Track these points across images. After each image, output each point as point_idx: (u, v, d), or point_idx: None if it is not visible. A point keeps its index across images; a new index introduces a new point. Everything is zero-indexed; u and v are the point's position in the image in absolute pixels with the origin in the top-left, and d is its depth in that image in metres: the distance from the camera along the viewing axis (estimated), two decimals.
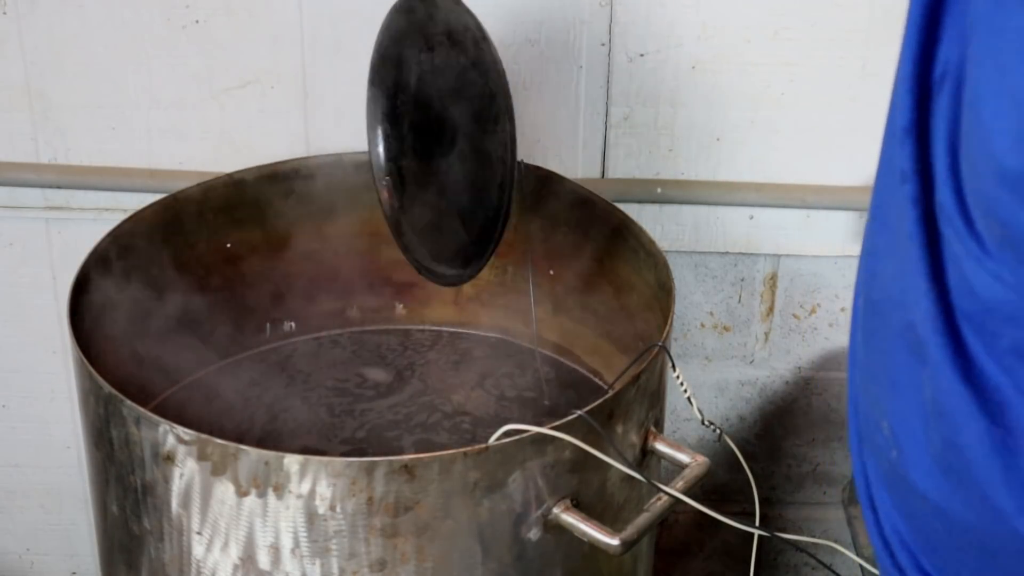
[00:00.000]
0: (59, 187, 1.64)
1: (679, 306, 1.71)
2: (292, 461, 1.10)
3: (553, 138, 1.61)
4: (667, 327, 1.28)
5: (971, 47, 0.74)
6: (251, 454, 1.10)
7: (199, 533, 1.16)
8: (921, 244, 0.78)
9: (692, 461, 1.23)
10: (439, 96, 1.35)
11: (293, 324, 1.61)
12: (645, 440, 1.25)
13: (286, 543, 1.13)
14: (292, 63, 1.57)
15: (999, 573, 0.81)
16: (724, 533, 1.87)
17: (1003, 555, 0.79)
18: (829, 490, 1.85)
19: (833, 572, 1.45)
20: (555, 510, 1.16)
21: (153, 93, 1.59)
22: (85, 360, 1.20)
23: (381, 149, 1.41)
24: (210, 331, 1.51)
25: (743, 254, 1.69)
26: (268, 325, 1.59)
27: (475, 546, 1.16)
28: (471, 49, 1.30)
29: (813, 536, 1.82)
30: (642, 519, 1.18)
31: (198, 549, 1.17)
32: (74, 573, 1.95)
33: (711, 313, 1.74)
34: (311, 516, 1.11)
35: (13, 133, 1.61)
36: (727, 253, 1.69)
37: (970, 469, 0.77)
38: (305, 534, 1.12)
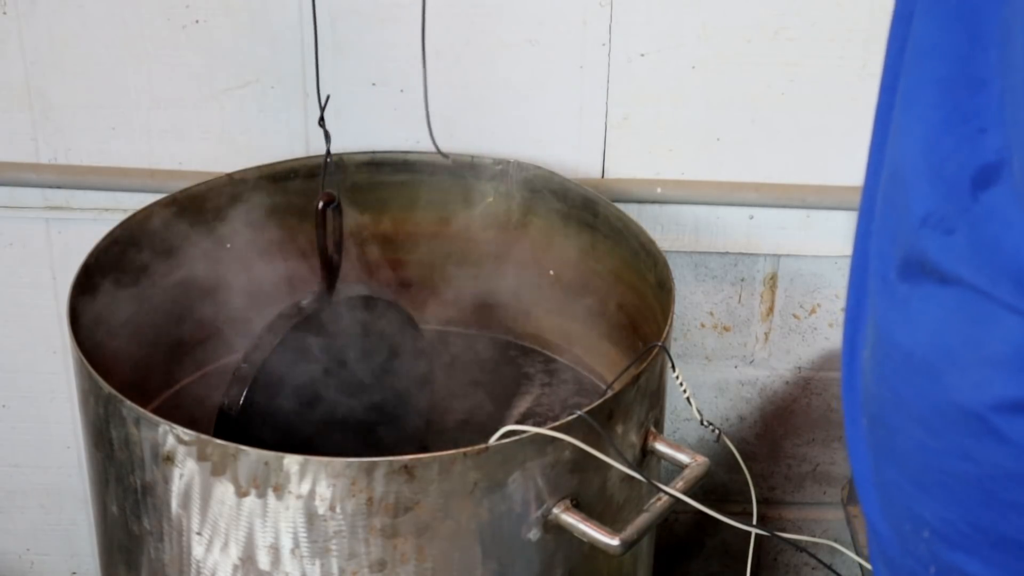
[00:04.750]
0: (59, 187, 1.64)
1: (679, 306, 1.71)
2: (292, 461, 1.10)
3: (553, 138, 1.61)
4: (667, 327, 1.28)
5: None
6: (251, 454, 1.10)
7: (199, 533, 1.16)
8: None
9: (692, 461, 1.23)
10: None
11: None
12: (645, 440, 1.25)
13: (286, 543, 1.13)
14: (292, 63, 1.57)
15: None
16: (724, 533, 1.87)
17: None
18: (829, 490, 1.85)
19: (833, 572, 1.45)
20: (555, 510, 1.16)
21: (153, 93, 1.59)
22: (85, 360, 1.20)
23: None
24: (210, 331, 1.51)
25: (743, 254, 1.69)
26: None
27: (475, 546, 1.16)
28: None
29: (813, 536, 1.82)
30: (642, 519, 1.18)
31: (198, 549, 1.17)
32: (74, 573, 1.95)
33: (711, 313, 1.73)
34: (311, 516, 1.11)
35: (13, 133, 1.61)
36: (727, 253, 1.69)
37: None
38: (305, 534, 1.12)
